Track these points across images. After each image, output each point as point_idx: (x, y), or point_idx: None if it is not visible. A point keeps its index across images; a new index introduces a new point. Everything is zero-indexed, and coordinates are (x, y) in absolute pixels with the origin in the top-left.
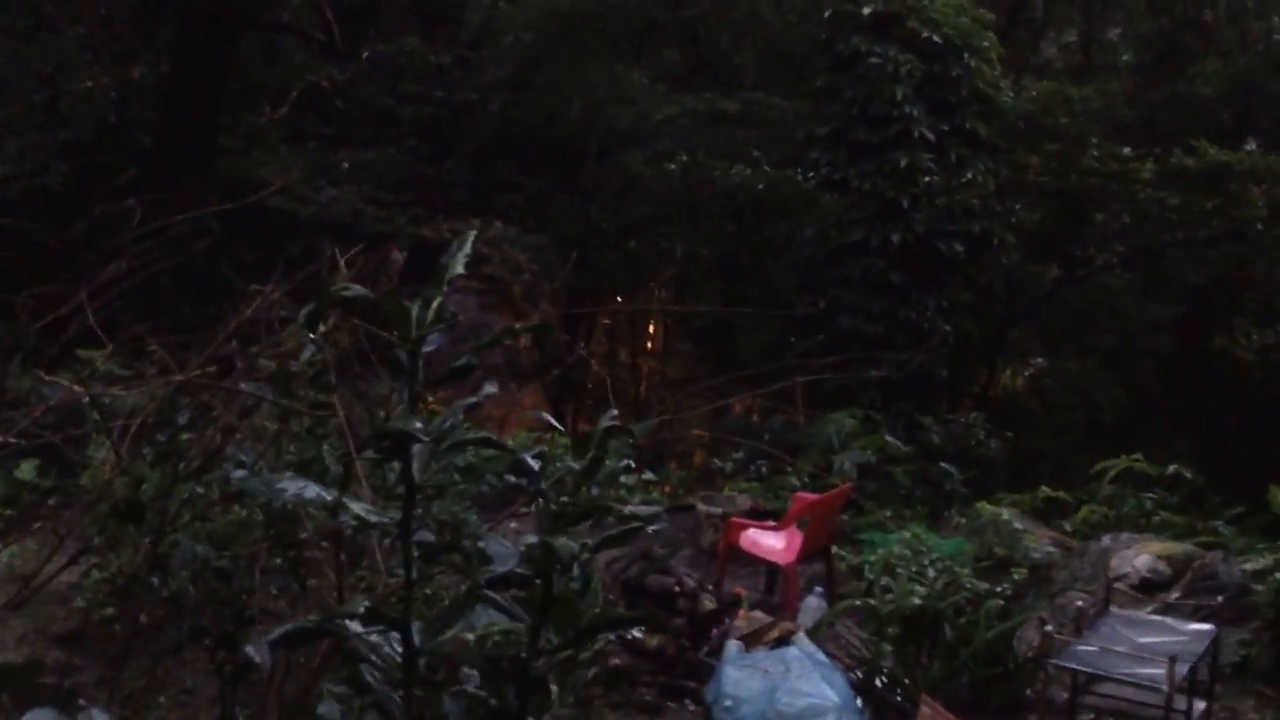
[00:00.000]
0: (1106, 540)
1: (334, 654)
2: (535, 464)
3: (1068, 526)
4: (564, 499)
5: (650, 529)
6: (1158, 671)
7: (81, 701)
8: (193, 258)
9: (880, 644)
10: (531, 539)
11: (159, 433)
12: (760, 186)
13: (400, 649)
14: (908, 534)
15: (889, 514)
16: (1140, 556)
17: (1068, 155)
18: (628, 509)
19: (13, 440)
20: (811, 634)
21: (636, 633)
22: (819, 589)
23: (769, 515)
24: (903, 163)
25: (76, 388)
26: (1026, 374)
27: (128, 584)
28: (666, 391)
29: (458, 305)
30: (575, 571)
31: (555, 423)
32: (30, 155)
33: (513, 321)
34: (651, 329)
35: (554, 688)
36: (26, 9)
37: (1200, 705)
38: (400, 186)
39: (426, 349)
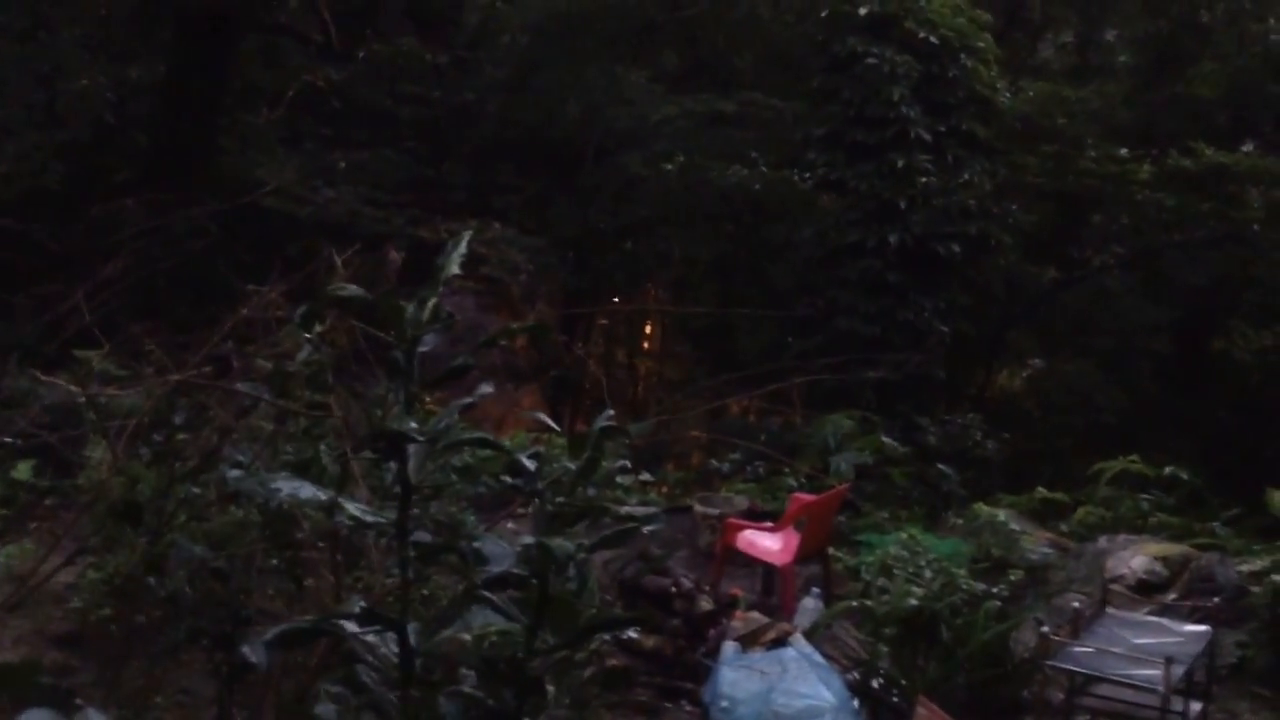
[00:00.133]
0: (1103, 541)
1: (331, 654)
2: (531, 464)
3: (1065, 528)
4: (560, 499)
5: (646, 530)
6: (1154, 673)
7: (79, 702)
8: (191, 258)
9: (877, 645)
10: (528, 539)
11: (155, 433)
12: (758, 187)
13: (397, 649)
14: (905, 535)
15: (886, 515)
16: (1137, 558)
17: (1065, 156)
18: (624, 509)
19: (9, 440)
20: (808, 635)
21: (634, 633)
22: (816, 590)
23: (766, 516)
24: (900, 164)
25: (72, 388)
26: (1024, 375)
27: (125, 584)
28: (664, 392)
29: (456, 306)
30: (571, 572)
31: (552, 424)
32: (28, 155)
33: (510, 322)
34: (649, 330)
35: (551, 688)
36: (24, 9)
37: (1196, 707)
38: (398, 187)
39: (422, 349)
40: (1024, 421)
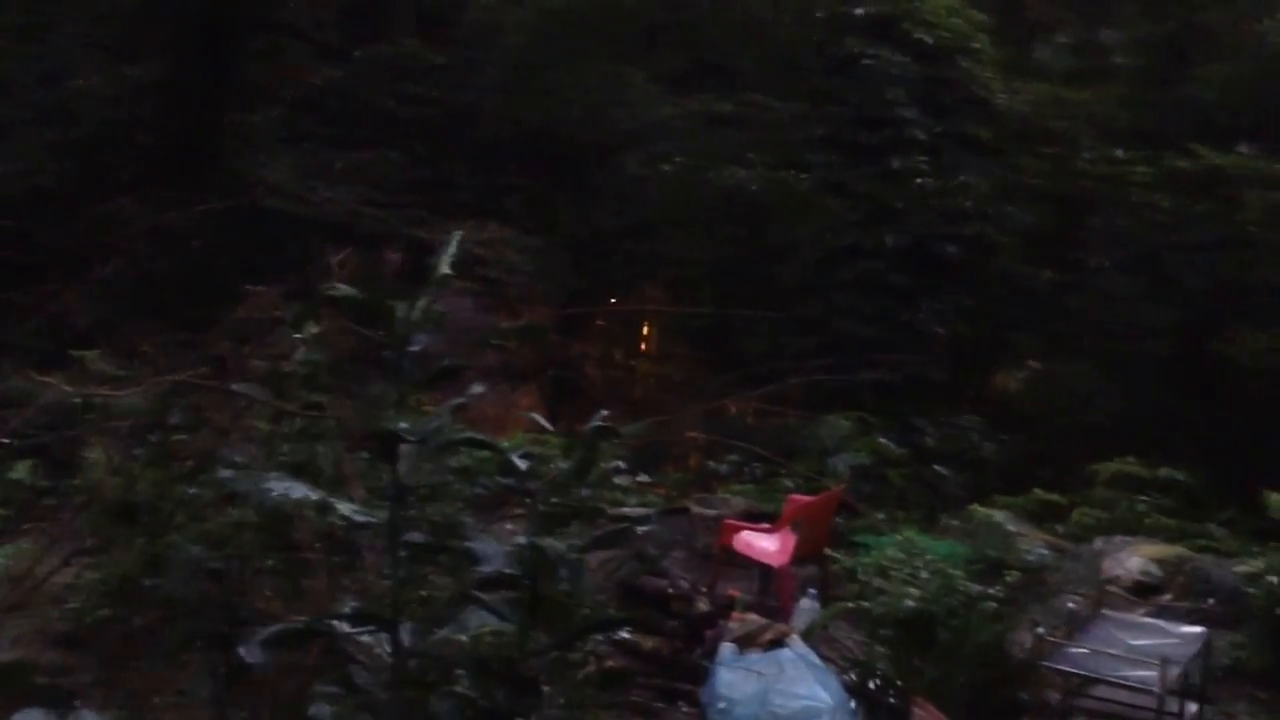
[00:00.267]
0: (1100, 543)
1: (328, 655)
2: (523, 464)
3: (1062, 529)
4: (554, 500)
5: (643, 530)
6: (1150, 674)
7: (77, 703)
8: (190, 257)
9: (874, 646)
10: (523, 540)
11: (153, 433)
12: (757, 188)
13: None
14: (902, 536)
15: (883, 516)
16: (1134, 559)
17: (1063, 158)
18: (619, 510)
19: (7, 440)
20: (805, 636)
21: (627, 634)
22: (813, 591)
23: (764, 518)
24: (898, 165)
25: (68, 388)
26: (1022, 377)
27: (123, 585)
28: (663, 394)
29: (454, 307)
30: (563, 572)
31: (547, 424)
32: (30, 154)
33: (510, 323)
34: (648, 331)
35: (546, 689)
36: (27, 7)
37: (1192, 708)
38: (399, 187)
39: (414, 349)
40: (1021, 423)
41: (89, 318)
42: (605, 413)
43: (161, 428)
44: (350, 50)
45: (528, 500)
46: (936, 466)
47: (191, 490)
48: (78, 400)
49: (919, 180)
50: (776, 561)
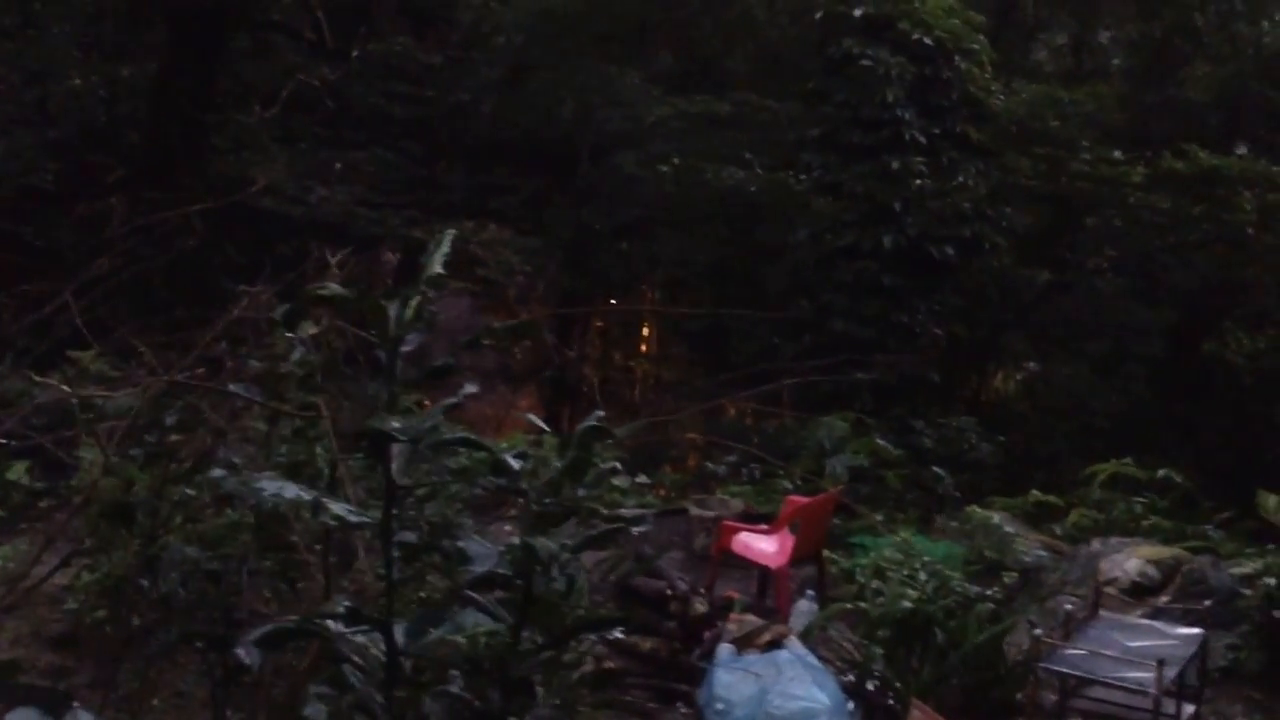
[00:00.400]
0: (1096, 544)
1: (324, 656)
2: (516, 464)
3: (1058, 530)
4: (548, 500)
5: (640, 531)
6: (1146, 675)
7: (75, 704)
8: (184, 258)
9: (871, 647)
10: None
11: (148, 434)
12: (753, 189)
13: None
14: (899, 537)
15: (880, 518)
16: (1130, 560)
17: (1058, 159)
18: (614, 511)
19: (1, 441)
20: (803, 637)
21: (622, 634)
22: (810, 592)
23: (761, 519)
24: (894, 166)
25: (64, 388)
26: (1018, 378)
27: (118, 586)
28: (661, 394)
29: (452, 308)
30: (555, 572)
31: (543, 425)
32: (20, 154)
33: (508, 324)
34: (645, 332)
35: (540, 689)
36: (15, 7)
37: (1189, 709)
38: (393, 188)
39: (405, 349)
40: (1018, 424)
41: (80, 318)
42: (600, 413)
43: (158, 428)
44: (343, 50)
45: (520, 500)
46: (934, 468)
47: (189, 491)
48: (74, 401)
49: (916, 181)
50: (774, 563)
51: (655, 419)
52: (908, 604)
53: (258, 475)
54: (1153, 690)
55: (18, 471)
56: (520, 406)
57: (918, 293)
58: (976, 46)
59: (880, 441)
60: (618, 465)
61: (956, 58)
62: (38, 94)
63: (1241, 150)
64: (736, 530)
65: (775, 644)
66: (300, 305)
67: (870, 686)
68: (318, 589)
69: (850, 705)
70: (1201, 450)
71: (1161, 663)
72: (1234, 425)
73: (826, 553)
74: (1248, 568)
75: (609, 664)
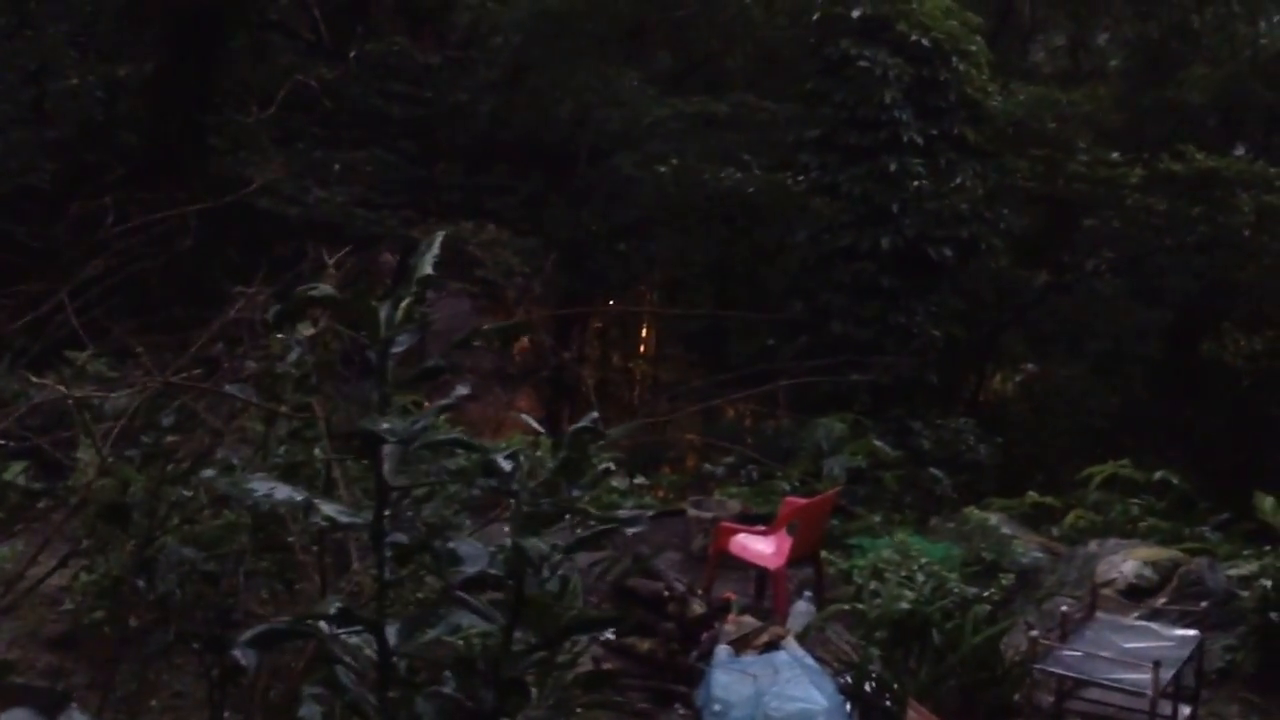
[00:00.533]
0: (1094, 546)
1: (319, 656)
2: (507, 465)
3: (1055, 532)
4: (540, 501)
5: (631, 531)
6: (1143, 677)
7: (73, 705)
8: (181, 258)
9: (868, 648)
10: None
11: (145, 435)
12: (751, 190)
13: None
14: (896, 539)
15: (878, 519)
16: (1127, 562)
17: (1056, 160)
18: (609, 512)
19: None
20: (800, 638)
21: (612, 634)
22: (808, 594)
23: (759, 520)
24: (892, 167)
25: (60, 388)
26: (1016, 379)
27: (115, 587)
28: (659, 395)
29: (451, 309)
30: (546, 573)
31: (539, 426)
32: (16, 154)
33: (500, 324)
34: (644, 333)
35: (534, 690)
36: (12, 6)
37: (1185, 711)
38: (391, 188)
39: (397, 350)
40: (1016, 426)
41: (79, 318)
42: (595, 414)
43: (154, 429)
44: (341, 50)
45: (512, 500)
46: (931, 469)
47: (186, 492)
48: (70, 401)
49: (914, 182)
50: (772, 564)
51: (652, 419)
52: (905, 605)
53: (250, 476)
54: (1149, 692)
55: (14, 472)
56: (519, 407)
57: (915, 294)
58: (974, 48)
59: (878, 443)
60: (612, 466)
61: (954, 59)
62: (34, 93)
63: (1239, 152)
64: (734, 531)
65: (773, 645)
66: (291, 306)
67: (867, 687)
68: (315, 590)
69: (847, 706)
70: (1199, 451)
71: (1158, 664)
72: (1231, 426)
73: (824, 554)
74: (1245, 569)
75: (606, 665)
